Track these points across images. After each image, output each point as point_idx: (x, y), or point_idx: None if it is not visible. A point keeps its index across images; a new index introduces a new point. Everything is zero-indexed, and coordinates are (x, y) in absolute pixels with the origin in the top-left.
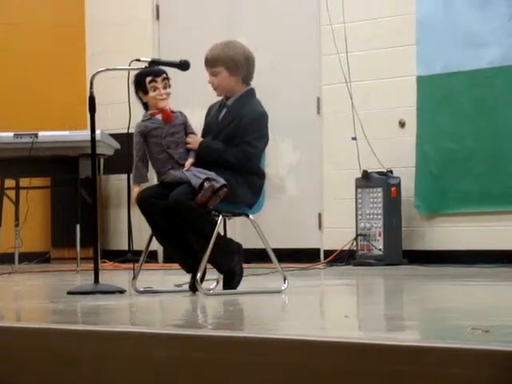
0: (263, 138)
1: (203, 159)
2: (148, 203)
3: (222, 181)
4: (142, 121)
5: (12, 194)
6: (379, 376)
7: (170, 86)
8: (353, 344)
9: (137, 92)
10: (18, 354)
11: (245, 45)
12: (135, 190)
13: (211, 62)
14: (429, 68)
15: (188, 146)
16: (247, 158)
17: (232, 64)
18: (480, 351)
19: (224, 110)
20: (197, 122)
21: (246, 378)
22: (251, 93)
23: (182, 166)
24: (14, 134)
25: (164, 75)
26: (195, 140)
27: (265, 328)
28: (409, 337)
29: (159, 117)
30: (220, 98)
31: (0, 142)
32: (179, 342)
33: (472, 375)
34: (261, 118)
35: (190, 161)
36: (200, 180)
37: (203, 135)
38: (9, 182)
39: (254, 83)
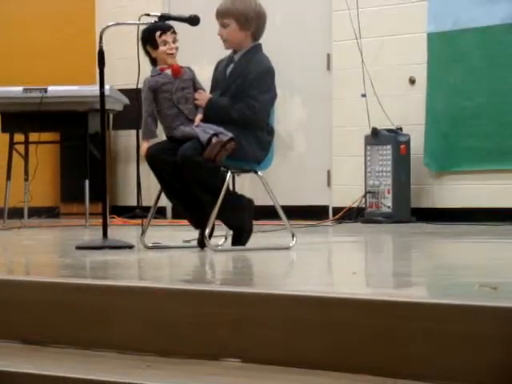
0: (268, 92)
1: (211, 115)
2: (157, 159)
3: (229, 135)
4: (152, 76)
5: (21, 148)
6: (386, 331)
7: (177, 41)
8: (360, 300)
9: (145, 47)
10: (27, 308)
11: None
12: (144, 146)
13: (222, 14)
14: (440, 24)
15: (196, 102)
16: (251, 112)
17: (242, 18)
18: (487, 308)
19: (231, 65)
20: (205, 77)
21: (254, 333)
22: (258, 48)
23: (192, 121)
24: (24, 89)
25: (173, 30)
26: (203, 97)
27: (273, 284)
28: (416, 293)
29: (169, 72)
30: (228, 52)
31: (9, 96)
32: (187, 297)
33: (479, 331)
34: (267, 73)
35: (199, 116)
36: (208, 135)
37: (211, 91)
38: (18, 137)
39: (264, 39)
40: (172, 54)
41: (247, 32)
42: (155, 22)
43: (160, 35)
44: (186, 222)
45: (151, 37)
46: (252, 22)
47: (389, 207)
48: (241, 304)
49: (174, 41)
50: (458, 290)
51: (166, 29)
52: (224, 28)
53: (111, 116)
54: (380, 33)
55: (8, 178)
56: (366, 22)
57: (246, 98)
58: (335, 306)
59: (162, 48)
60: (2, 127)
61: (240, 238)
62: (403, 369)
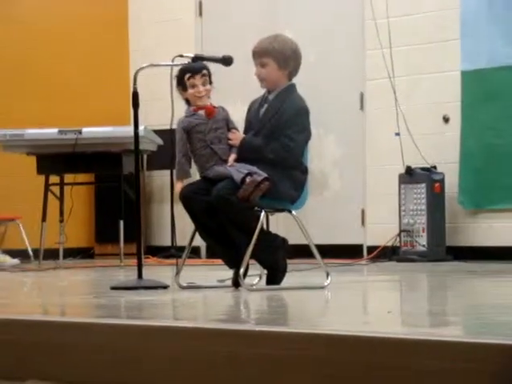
0: (303, 131)
1: (244, 155)
2: (191, 199)
3: (263, 174)
4: (186, 117)
5: (56, 190)
6: (422, 372)
7: (211, 83)
8: (396, 339)
9: (177, 88)
10: (62, 349)
11: (292, 39)
12: (178, 186)
13: (260, 53)
14: (473, 63)
15: (230, 142)
16: (287, 152)
17: (281, 57)
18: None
19: (265, 106)
20: (239, 117)
21: (290, 373)
22: (293, 88)
23: (225, 161)
24: (59, 131)
25: (204, 71)
26: (237, 136)
27: (308, 323)
28: (452, 332)
29: (202, 112)
30: (262, 92)
31: (45, 138)
32: (223, 337)
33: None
34: (301, 112)
35: (233, 156)
36: (242, 175)
37: (245, 132)
38: (53, 178)
39: (297, 78)
40: (200, 97)
41: (285, 71)
42: (188, 62)
43: (188, 78)
44: (220, 261)
45: (181, 79)
46: (290, 62)
47: (424, 246)
48: (276, 344)
49: (205, 83)
50: (494, 329)
51: (197, 71)
52: (262, 67)
53: (145, 156)
54: (413, 71)
55: (43, 219)
56: (400, 61)
57: (281, 137)
58: (370, 345)
59: (190, 91)
60: (38, 169)
61: (274, 277)
62: None
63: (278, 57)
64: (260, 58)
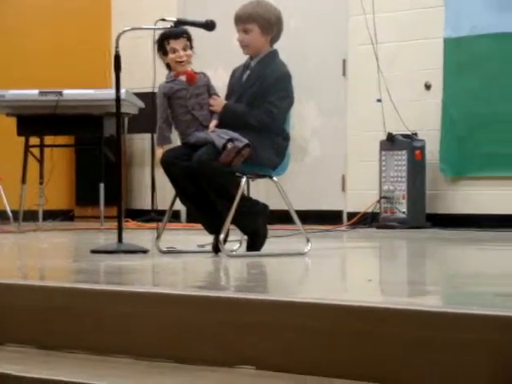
0: (287, 98)
1: (226, 122)
2: (172, 164)
3: (245, 141)
4: (166, 82)
5: (36, 151)
6: (400, 341)
7: (191, 48)
8: (375, 308)
9: (158, 52)
10: (41, 313)
11: (274, 4)
12: (159, 152)
13: (243, 19)
14: (456, 30)
15: (211, 108)
16: (270, 119)
17: (265, 23)
18: (501, 317)
19: (247, 72)
20: (220, 83)
21: (267, 341)
22: (274, 54)
23: (206, 127)
24: (39, 92)
25: (185, 35)
26: (218, 102)
27: (287, 291)
28: (431, 302)
29: (183, 78)
30: (244, 59)
31: (25, 99)
32: (202, 304)
33: (493, 341)
34: (284, 78)
35: (214, 122)
36: (223, 140)
37: (227, 98)
38: (33, 140)
39: (279, 44)
40: (181, 61)
41: (268, 36)
42: (171, 26)
43: (169, 43)
44: (200, 226)
45: (162, 44)
46: (274, 27)
47: (404, 213)
48: (255, 311)
49: (186, 48)
50: (473, 299)
51: (177, 36)
52: (245, 33)
53: (126, 120)
54: (396, 38)
55: (23, 181)
56: (382, 27)
57: (264, 104)
58: (350, 314)
59: (170, 56)
60: (18, 130)
61: (255, 243)
62: (411, 379)
63: (262, 22)
64: (243, 24)
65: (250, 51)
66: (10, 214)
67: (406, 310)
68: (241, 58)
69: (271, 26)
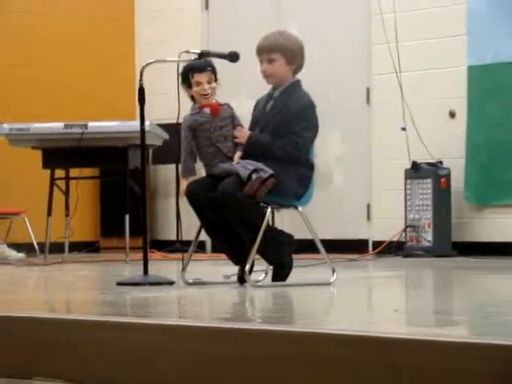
0: (312, 128)
1: (251, 152)
2: (196, 196)
3: (269, 171)
4: (191, 114)
5: (62, 184)
6: (428, 372)
7: (216, 80)
8: (402, 340)
9: (182, 85)
10: (68, 347)
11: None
12: (183, 184)
13: (268, 49)
14: (480, 58)
15: (236, 140)
16: (295, 149)
17: (289, 53)
18: None
19: (271, 102)
20: (245, 112)
21: (294, 373)
22: (298, 83)
23: (231, 159)
24: (65, 125)
25: (209, 69)
26: (243, 134)
27: (313, 322)
28: (458, 332)
29: (207, 110)
30: (268, 89)
31: (50, 132)
32: (228, 336)
33: None
34: (308, 108)
35: (238, 154)
36: (248, 171)
37: (250, 129)
38: (59, 172)
39: (302, 74)
40: (205, 95)
41: (291, 67)
42: (195, 58)
43: (193, 76)
44: (225, 257)
45: (186, 77)
46: (297, 57)
47: (429, 241)
48: (281, 343)
49: (210, 81)
50: (501, 329)
51: (201, 69)
52: (269, 63)
53: (151, 151)
54: (420, 66)
55: (49, 213)
56: (406, 56)
57: (288, 134)
58: (376, 345)
59: (195, 89)
60: (43, 163)
61: (280, 273)
62: None
63: (286, 52)
64: (268, 54)
65: (273, 81)
66: (37, 246)
67: (434, 341)
68: (265, 88)
69: (295, 55)
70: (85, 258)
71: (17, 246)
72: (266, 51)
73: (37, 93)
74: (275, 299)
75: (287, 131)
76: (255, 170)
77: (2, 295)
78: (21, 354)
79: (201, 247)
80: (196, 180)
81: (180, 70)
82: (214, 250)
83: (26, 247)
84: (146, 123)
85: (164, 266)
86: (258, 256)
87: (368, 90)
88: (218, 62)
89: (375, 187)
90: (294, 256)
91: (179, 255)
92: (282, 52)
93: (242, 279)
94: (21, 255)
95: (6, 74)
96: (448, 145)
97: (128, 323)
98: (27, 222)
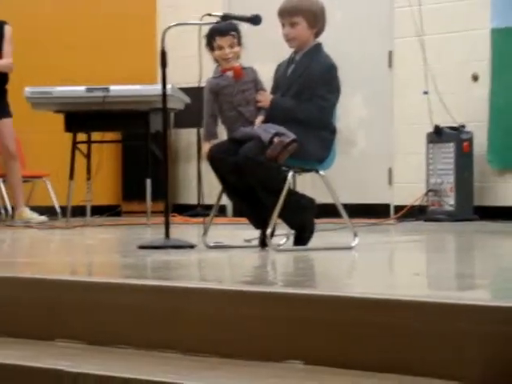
0: (334, 91)
1: (274, 116)
2: (218, 159)
3: (291, 135)
4: (213, 77)
5: (84, 147)
6: (447, 335)
7: (240, 44)
8: (422, 303)
9: (206, 47)
10: (90, 309)
11: None
12: (206, 147)
13: (290, 12)
14: (504, 20)
15: (258, 104)
16: (320, 112)
17: (311, 16)
18: None
19: (292, 66)
20: (269, 76)
21: (315, 336)
22: (319, 47)
23: (252, 123)
24: (87, 88)
25: (232, 33)
26: (266, 98)
27: (334, 285)
28: (480, 296)
29: (230, 74)
30: (290, 52)
31: (72, 96)
32: (249, 299)
33: None
34: (330, 70)
35: (260, 118)
36: (270, 135)
37: (272, 93)
38: (81, 136)
39: (326, 36)
40: (227, 59)
41: (313, 30)
42: (217, 22)
43: (216, 39)
44: (247, 220)
45: (209, 40)
46: (319, 20)
47: (451, 205)
48: (303, 306)
49: (232, 45)
50: None
51: (223, 33)
52: (291, 27)
53: (172, 115)
54: (442, 29)
55: (71, 177)
56: (428, 19)
57: (313, 97)
58: (396, 308)
59: (216, 53)
60: (65, 127)
61: (302, 237)
62: (464, 371)
63: (308, 15)
64: (290, 17)
65: (296, 45)
66: (58, 209)
67: (455, 304)
68: (288, 51)
69: (317, 18)
70: (106, 222)
71: (39, 209)
72: (287, 14)
73: (59, 56)
74: (297, 263)
75: (311, 94)
76: (277, 134)
77: (24, 258)
78: (43, 315)
79: (222, 211)
80: (218, 144)
81: (204, 34)
82: (235, 213)
83: (48, 210)
84: (168, 87)
85: (185, 229)
86: (279, 220)
87: (390, 54)
88: (241, 25)
89: (397, 151)
90: (315, 220)
91: (200, 219)
92: (304, 15)
93: (263, 243)
94: (43, 218)
95: (28, 38)
96: (471, 109)
97: (149, 286)
98: (49, 186)
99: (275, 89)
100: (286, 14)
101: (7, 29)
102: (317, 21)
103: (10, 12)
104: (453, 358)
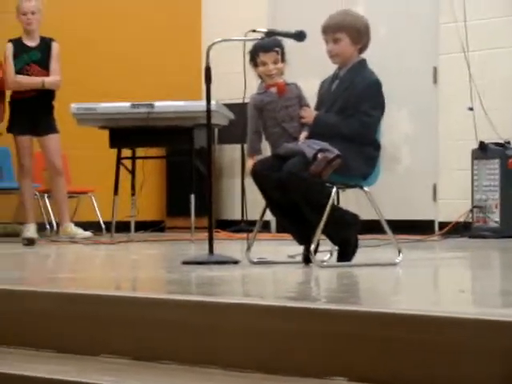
0: (379, 107)
1: (318, 132)
2: (262, 175)
3: (335, 151)
4: (257, 94)
5: (128, 163)
6: (493, 352)
7: (284, 60)
8: (468, 320)
9: (250, 63)
10: (135, 324)
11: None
12: (250, 163)
13: (333, 29)
14: None
15: (302, 120)
16: (363, 128)
17: (355, 32)
18: None
19: (337, 81)
20: (313, 93)
21: (359, 352)
22: (363, 63)
23: (296, 139)
24: (131, 105)
25: (276, 49)
26: (309, 114)
27: (379, 302)
28: None
29: (274, 90)
30: (334, 68)
31: (117, 112)
32: (293, 315)
33: None
34: (374, 86)
35: (304, 134)
36: (314, 151)
37: (316, 109)
38: (125, 152)
39: (371, 52)
40: (270, 75)
41: (357, 46)
42: (262, 38)
43: (260, 56)
44: (290, 236)
45: (254, 56)
46: (363, 36)
47: (496, 222)
48: (346, 322)
49: (276, 61)
50: None
51: (267, 49)
52: (335, 43)
53: (217, 131)
54: (488, 45)
55: (115, 192)
56: (474, 35)
57: (356, 113)
58: (441, 325)
59: (260, 69)
60: (110, 143)
61: (346, 253)
62: None
63: (352, 32)
64: (333, 34)
65: (339, 61)
66: (103, 225)
67: (500, 321)
68: (331, 68)
69: (360, 35)
70: (150, 237)
71: (84, 225)
72: (331, 31)
73: (105, 72)
74: (340, 279)
75: (355, 110)
76: (321, 150)
77: (69, 273)
78: (88, 331)
79: (266, 227)
80: (262, 160)
81: (248, 50)
82: (279, 229)
83: (92, 226)
84: (212, 103)
85: (229, 245)
86: (323, 236)
87: (435, 70)
88: (285, 42)
89: (442, 167)
90: (359, 236)
91: (244, 235)
92: (348, 31)
93: (307, 259)
94: (88, 234)
95: (74, 54)
96: None
97: (193, 301)
98: (94, 201)
99: (319, 105)
100: (329, 31)
101: (54, 46)
102: (360, 37)
103: (53, 28)
104: (500, 375)
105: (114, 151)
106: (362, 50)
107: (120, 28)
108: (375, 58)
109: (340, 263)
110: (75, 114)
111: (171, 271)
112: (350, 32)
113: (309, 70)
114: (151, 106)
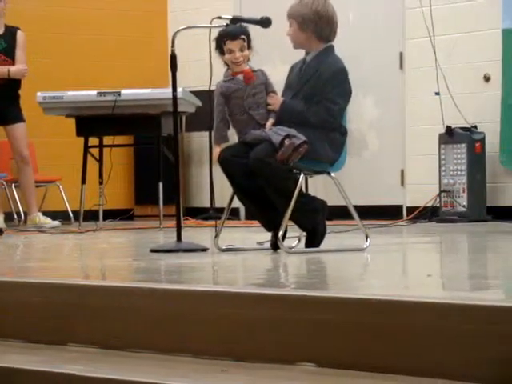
0: (345, 93)
1: (284, 119)
2: (229, 162)
3: (302, 137)
4: (224, 81)
5: (96, 152)
6: (462, 335)
7: (250, 47)
8: (436, 304)
9: (216, 51)
10: (103, 313)
11: (324, 1)
12: (216, 151)
13: (287, 15)
14: None
15: (269, 107)
16: (329, 115)
17: (300, 19)
18: None
19: (304, 67)
20: (279, 78)
21: (329, 338)
22: (329, 49)
23: (263, 126)
24: (98, 93)
25: (242, 36)
26: (276, 101)
27: (347, 287)
28: (493, 296)
29: (240, 77)
30: (300, 52)
31: (84, 100)
32: (262, 302)
33: None
34: (340, 73)
35: (271, 121)
36: (280, 137)
37: (283, 93)
38: (92, 141)
39: (336, 38)
40: (237, 62)
41: (307, 33)
42: (227, 25)
43: (226, 43)
44: (258, 223)
45: (219, 43)
46: (310, 24)
47: (464, 206)
48: (315, 308)
49: (243, 48)
50: None
51: (233, 37)
52: (289, 28)
53: (184, 118)
54: (454, 30)
55: (83, 181)
56: (440, 20)
57: (323, 100)
58: (409, 310)
59: (226, 56)
60: (77, 131)
61: (313, 239)
62: (481, 372)
63: (298, 18)
64: (288, 19)
65: (295, 46)
66: (71, 214)
67: (468, 304)
68: (297, 54)
69: (306, 22)
70: (119, 226)
71: (51, 214)
72: (287, 16)
73: (69, 61)
74: (309, 265)
75: (321, 97)
76: (288, 136)
77: (37, 262)
78: (55, 320)
79: (234, 214)
80: (228, 146)
81: (214, 37)
82: (248, 216)
83: (60, 215)
84: (179, 90)
85: (197, 233)
86: (291, 222)
87: (401, 55)
88: (251, 28)
89: (409, 152)
90: (327, 222)
91: (212, 222)
92: (294, 18)
93: (275, 246)
94: (56, 223)
95: (40, 43)
96: (483, 109)
97: (162, 289)
98: (62, 190)
99: (286, 89)
100: (287, 17)
101: (20, 34)
102: (307, 24)
103: (19, 17)
104: (468, 359)
105: (81, 140)
106: (320, 36)
107: (85, 16)
108: (342, 43)
109: (308, 249)
110: (41, 103)
111: (139, 259)
112: (296, 19)
113: (275, 57)
114: (118, 93)
